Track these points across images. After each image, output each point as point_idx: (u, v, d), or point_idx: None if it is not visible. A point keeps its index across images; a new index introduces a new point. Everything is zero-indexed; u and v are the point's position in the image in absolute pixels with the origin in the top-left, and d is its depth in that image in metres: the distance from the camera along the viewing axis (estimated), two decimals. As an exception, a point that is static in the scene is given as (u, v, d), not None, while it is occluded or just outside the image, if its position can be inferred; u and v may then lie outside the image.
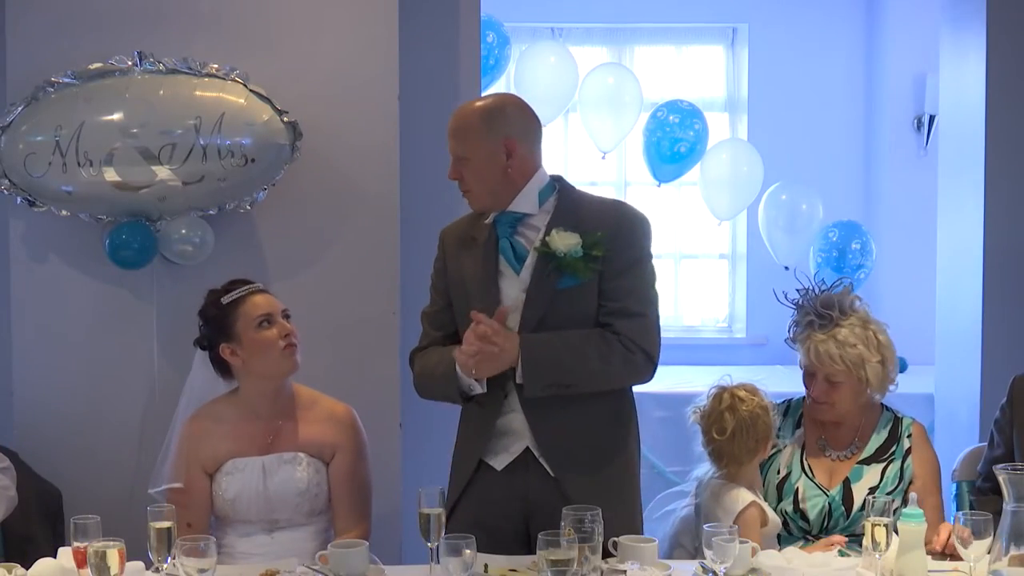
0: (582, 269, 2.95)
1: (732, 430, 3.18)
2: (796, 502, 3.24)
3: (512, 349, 2.92)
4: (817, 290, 3.32)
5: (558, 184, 3.10)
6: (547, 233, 2.98)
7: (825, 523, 3.22)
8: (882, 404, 3.36)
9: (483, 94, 3.24)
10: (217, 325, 3.28)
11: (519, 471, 3.03)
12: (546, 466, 3.01)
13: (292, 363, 3.27)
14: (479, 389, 3.00)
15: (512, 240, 3.04)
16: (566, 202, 3.06)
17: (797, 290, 3.35)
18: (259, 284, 3.35)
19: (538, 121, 3.13)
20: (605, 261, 2.97)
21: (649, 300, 3.05)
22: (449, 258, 3.14)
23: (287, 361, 3.26)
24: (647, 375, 3.06)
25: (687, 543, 3.24)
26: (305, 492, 3.23)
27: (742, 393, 3.23)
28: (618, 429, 3.10)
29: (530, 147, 3.06)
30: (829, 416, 3.28)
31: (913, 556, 2.65)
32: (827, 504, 3.22)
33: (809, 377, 3.30)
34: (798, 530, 3.25)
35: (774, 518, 3.19)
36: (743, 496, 3.14)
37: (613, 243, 2.98)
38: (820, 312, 3.26)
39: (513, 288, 3.01)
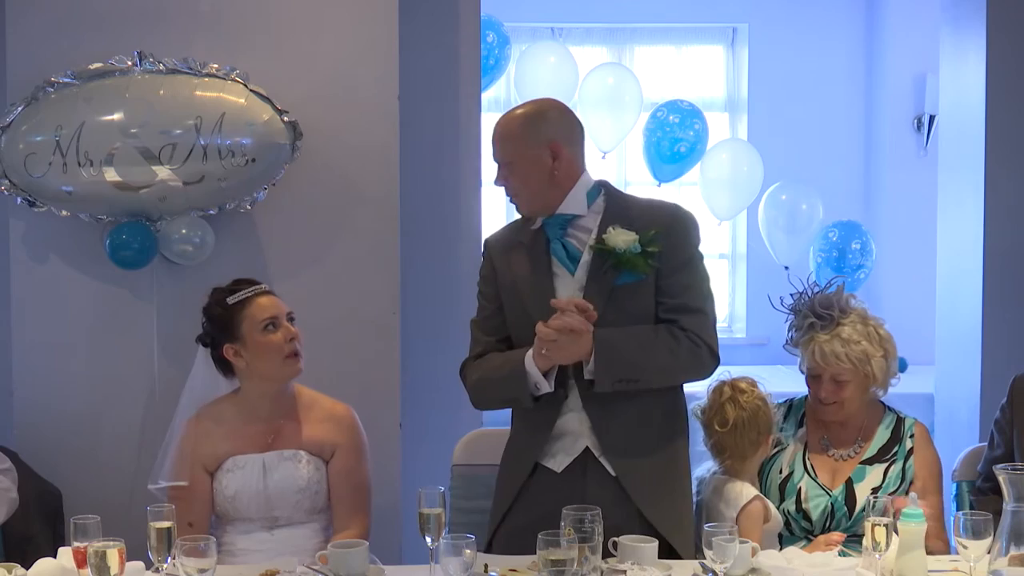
0: (642, 265, 2.98)
1: (733, 421, 3.19)
2: (799, 502, 3.24)
3: (586, 342, 2.93)
4: (811, 292, 3.32)
5: (603, 187, 3.14)
6: (601, 231, 3.01)
7: (827, 523, 3.22)
8: (883, 404, 3.36)
9: (523, 102, 3.27)
10: (221, 325, 3.29)
11: (577, 472, 3.04)
12: (607, 465, 3.02)
13: (296, 368, 3.28)
14: (547, 388, 2.99)
15: (564, 241, 3.06)
16: (614, 202, 3.10)
17: (791, 294, 3.35)
18: (264, 285, 3.35)
19: (581, 125, 3.18)
20: (661, 258, 3.00)
21: (706, 296, 3.09)
22: (497, 264, 3.15)
23: (291, 366, 3.26)
24: (711, 369, 3.10)
25: None
26: (305, 489, 3.23)
27: (743, 385, 3.25)
28: (673, 425, 3.11)
29: (575, 150, 3.11)
30: (837, 416, 3.28)
31: (913, 556, 2.65)
32: (830, 504, 3.22)
33: (814, 379, 3.29)
34: (800, 530, 3.25)
35: (776, 515, 3.19)
36: (747, 490, 3.14)
37: (668, 240, 3.02)
38: (820, 313, 3.27)
39: (568, 288, 3.03)
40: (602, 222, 3.04)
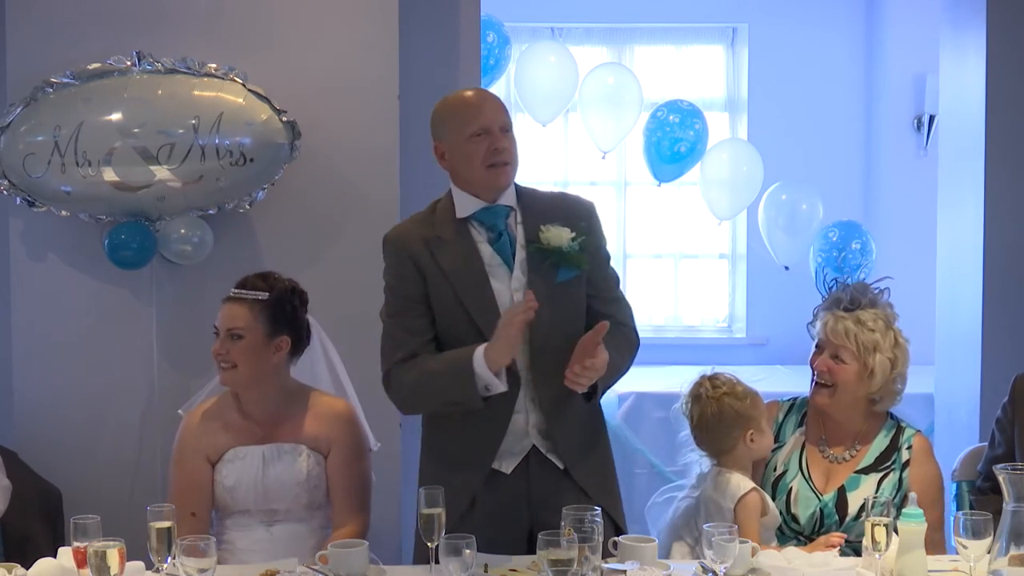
0: (581, 261, 2.98)
1: (698, 418, 3.23)
2: (788, 503, 3.22)
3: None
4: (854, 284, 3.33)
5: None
6: (528, 229, 3.00)
7: (817, 528, 3.20)
8: (888, 413, 3.34)
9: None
10: None
11: (522, 472, 3.02)
12: (555, 460, 3.02)
13: (223, 379, 3.27)
14: (500, 387, 2.91)
15: (509, 234, 3.02)
16: (524, 195, 3.09)
17: (835, 279, 3.36)
18: (248, 293, 3.26)
19: None
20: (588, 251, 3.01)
21: (618, 281, 3.16)
22: (419, 260, 3.00)
23: (221, 376, 3.27)
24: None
25: (687, 536, 3.24)
26: (304, 483, 3.23)
27: (708, 382, 3.26)
28: (598, 421, 3.16)
29: None
30: (826, 402, 3.24)
31: (913, 556, 2.65)
32: (819, 509, 3.20)
33: (816, 353, 3.28)
34: (790, 531, 3.24)
35: (774, 510, 3.19)
36: (744, 483, 3.15)
37: (589, 232, 3.02)
38: (852, 296, 3.26)
39: (504, 284, 3.00)
40: (523, 218, 3.02)
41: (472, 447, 3.02)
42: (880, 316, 3.25)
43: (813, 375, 3.30)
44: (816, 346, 3.30)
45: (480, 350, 2.89)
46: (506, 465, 3.02)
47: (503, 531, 2.91)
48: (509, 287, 2.99)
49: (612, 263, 3.17)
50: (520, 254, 3.01)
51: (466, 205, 3.03)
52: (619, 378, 3.12)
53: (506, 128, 2.99)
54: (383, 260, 3.08)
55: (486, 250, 3.00)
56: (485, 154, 2.96)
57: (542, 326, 2.94)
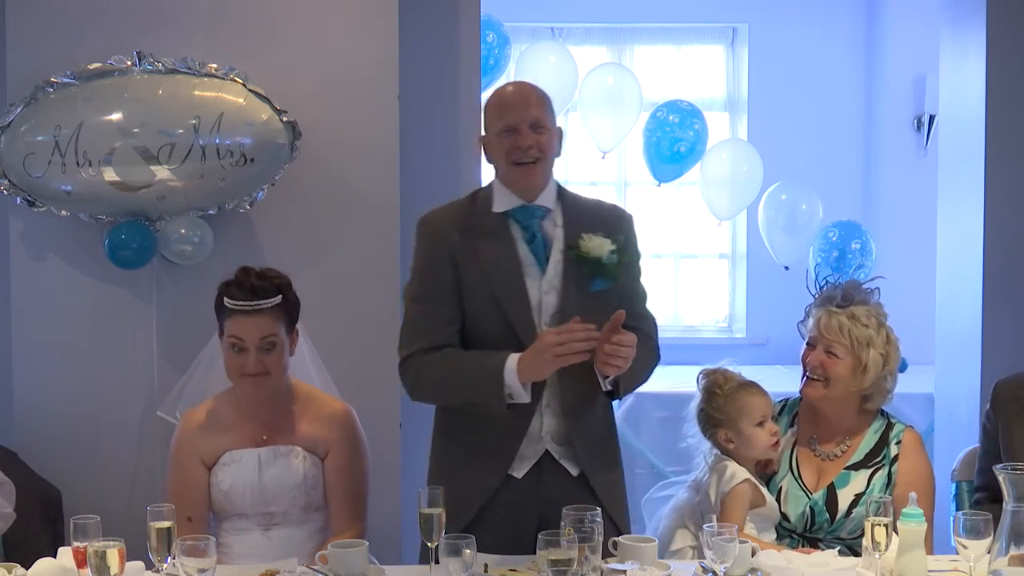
0: (617, 273, 2.97)
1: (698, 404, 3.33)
2: (779, 503, 3.22)
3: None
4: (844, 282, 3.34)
5: (556, 181, 3.10)
6: (568, 233, 2.98)
7: (808, 526, 3.20)
8: (879, 410, 3.33)
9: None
10: (216, 313, 3.23)
11: (533, 476, 3.01)
12: (567, 467, 3.01)
13: (252, 391, 3.19)
14: (524, 399, 2.90)
15: (542, 236, 3.00)
16: (567, 200, 3.07)
17: (825, 278, 3.37)
18: (265, 303, 3.16)
19: None
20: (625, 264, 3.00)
21: (646, 297, 3.14)
22: (456, 247, 2.97)
23: (247, 384, 3.19)
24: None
25: (690, 523, 3.25)
26: (301, 484, 3.21)
27: (700, 378, 3.33)
28: (612, 429, 3.15)
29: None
30: (821, 392, 3.23)
31: (913, 556, 2.65)
32: (809, 507, 3.19)
33: (809, 349, 3.28)
34: (782, 530, 3.23)
35: (772, 503, 3.20)
36: (739, 474, 3.17)
37: (627, 246, 3.02)
38: (845, 293, 3.27)
39: (536, 285, 2.98)
40: (565, 221, 3.01)
41: (488, 451, 3.00)
42: (872, 313, 3.27)
43: (804, 372, 3.29)
44: (808, 343, 3.29)
45: (513, 360, 2.88)
46: (518, 469, 3.01)
47: (510, 535, 2.88)
48: (539, 288, 2.98)
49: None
50: (555, 256, 3.00)
51: (504, 200, 3.02)
52: (638, 385, 3.12)
53: (538, 124, 2.95)
54: (415, 241, 3.06)
55: (522, 248, 2.99)
56: (509, 151, 2.96)
57: None
